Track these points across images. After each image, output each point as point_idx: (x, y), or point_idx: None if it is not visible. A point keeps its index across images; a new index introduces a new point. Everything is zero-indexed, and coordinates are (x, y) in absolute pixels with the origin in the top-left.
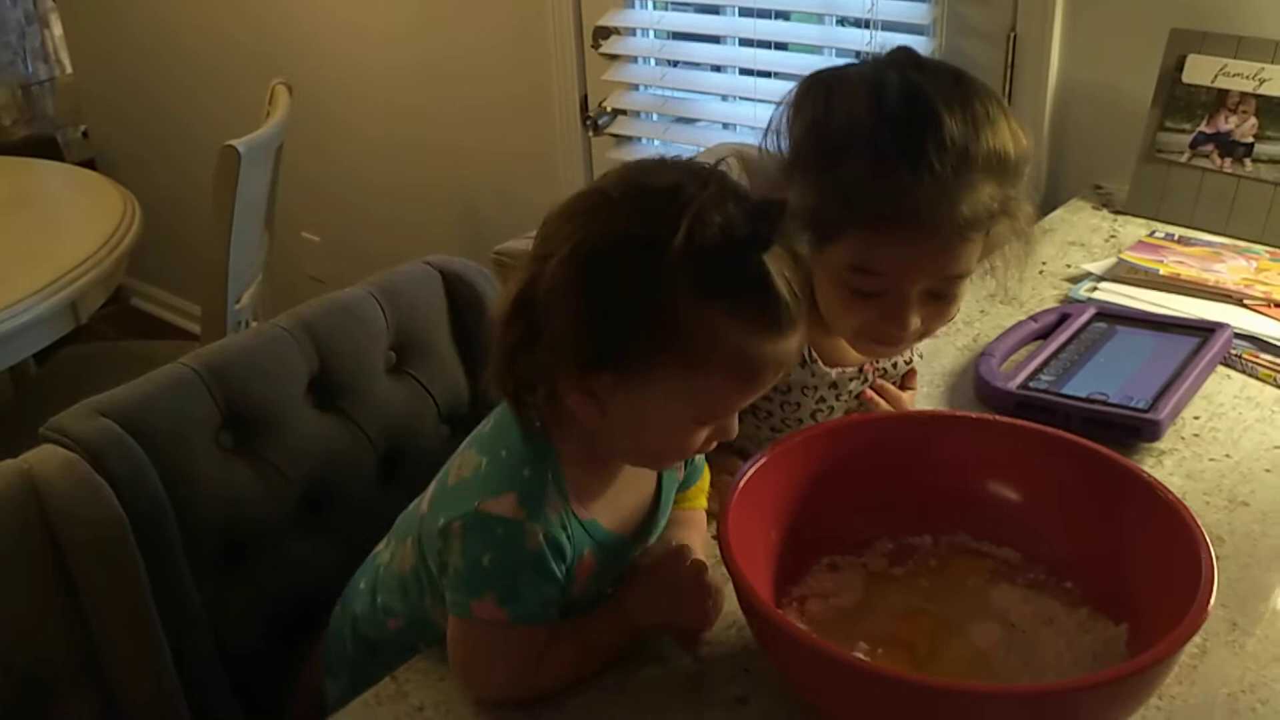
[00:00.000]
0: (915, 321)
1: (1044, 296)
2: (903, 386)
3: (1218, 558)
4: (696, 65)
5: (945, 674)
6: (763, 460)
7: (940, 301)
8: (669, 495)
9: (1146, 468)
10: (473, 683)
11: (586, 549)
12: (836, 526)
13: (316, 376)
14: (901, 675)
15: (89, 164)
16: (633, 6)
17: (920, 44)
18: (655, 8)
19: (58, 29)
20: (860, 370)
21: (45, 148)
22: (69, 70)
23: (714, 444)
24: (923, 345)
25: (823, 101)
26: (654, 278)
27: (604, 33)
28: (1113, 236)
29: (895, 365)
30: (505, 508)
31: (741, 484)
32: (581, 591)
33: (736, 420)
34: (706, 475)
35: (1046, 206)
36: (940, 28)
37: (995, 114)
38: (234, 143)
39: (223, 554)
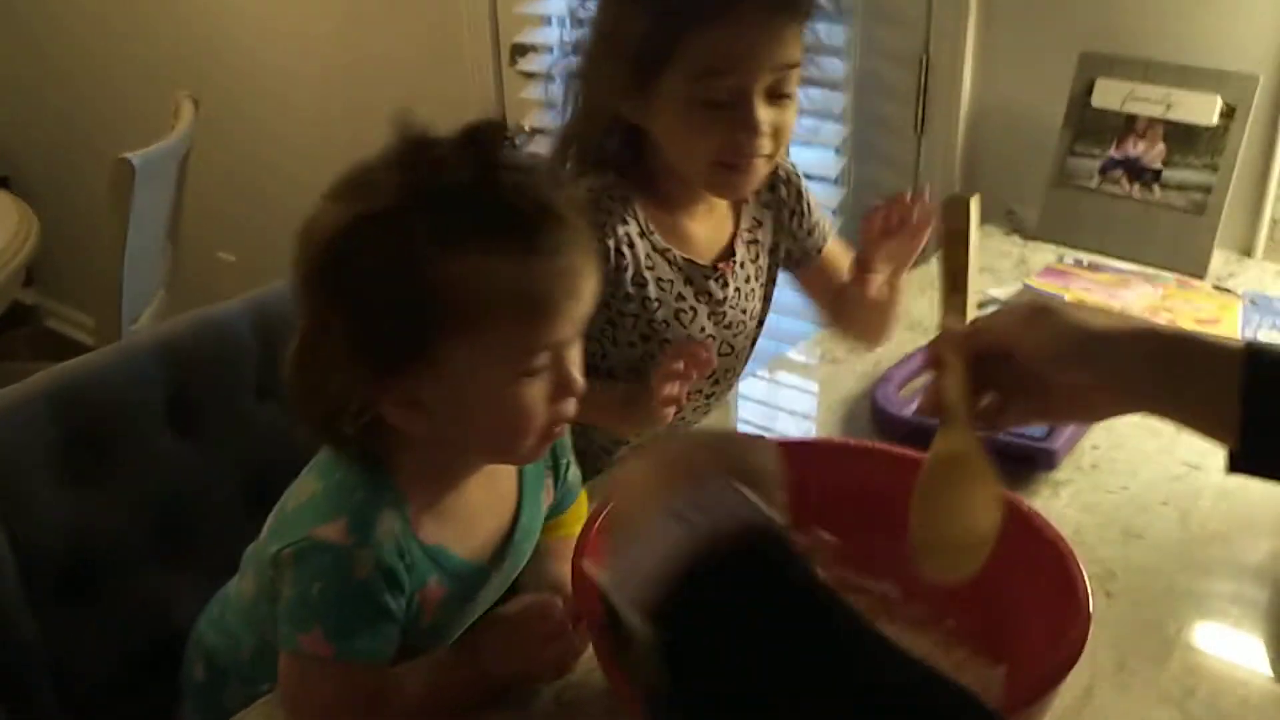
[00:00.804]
0: (765, 124)
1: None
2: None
3: (1109, 594)
4: None
5: None
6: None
7: (780, 103)
8: (531, 519)
9: (1042, 499)
10: None
11: (432, 578)
12: None
13: (176, 397)
14: None
15: (2, 181)
16: (550, 24)
17: (836, 67)
18: (572, 26)
19: None
20: (715, 269)
21: None
22: None
23: (567, 403)
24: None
25: None
26: (391, 252)
27: (521, 50)
28: (1022, 262)
29: (754, 263)
30: (335, 533)
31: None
32: (432, 622)
33: (574, 370)
34: (582, 501)
35: None
36: (854, 49)
37: None
38: (128, 155)
39: (67, 586)
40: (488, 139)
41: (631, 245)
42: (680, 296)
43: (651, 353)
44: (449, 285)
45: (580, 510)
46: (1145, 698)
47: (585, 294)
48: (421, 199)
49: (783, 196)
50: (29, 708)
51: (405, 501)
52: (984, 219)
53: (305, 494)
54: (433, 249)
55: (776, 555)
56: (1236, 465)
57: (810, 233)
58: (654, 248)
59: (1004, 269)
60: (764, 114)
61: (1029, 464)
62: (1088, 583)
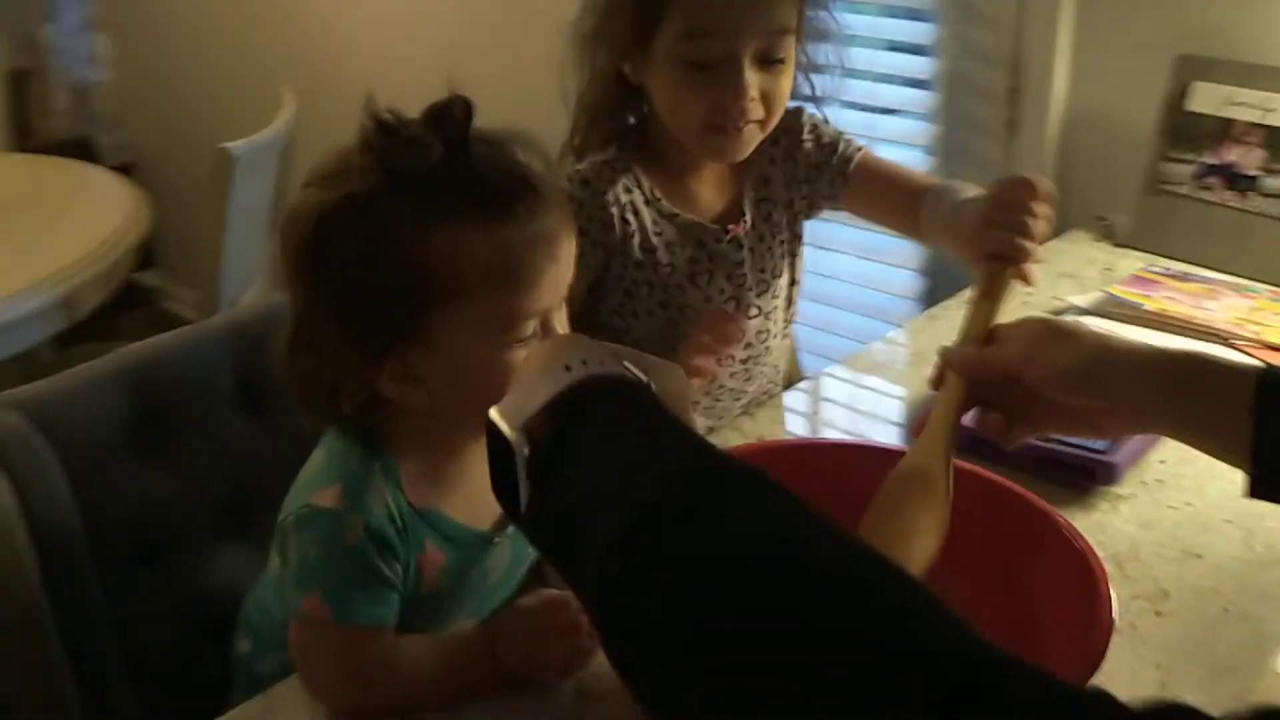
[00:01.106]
0: (753, 89)
1: None
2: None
3: (1159, 614)
4: None
5: None
6: None
7: (772, 69)
8: None
9: (1100, 513)
10: (313, 688)
11: (428, 541)
12: None
13: (245, 380)
14: None
15: (126, 167)
16: None
17: (923, 66)
18: None
19: None
20: (726, 230)
21: (83, 149)
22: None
23: None
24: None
25: None
26: (370, 234)
27: None
28: (1108, 270)
29: (766, 221)
30: (329, 499)
31: None
32: (435, 590)
33: (561, 327)
34: None
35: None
36: (944, 49)
37: None
38: (228, 145)
39: (135, 557)
40: (456, 116)
41: (636, 212)
42: (693, 260)
43: (673, 319)
44: (429, 263)
45: None
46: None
47: (563, 257)
48: (395, 180)
49: (785, 147)
50: (98, 672)
51: (396, 466)
52: (1073, 224)
53: (313, 463)
54: (410, 229)
55: (646, 399)
56: (1256, 490)
57: (830, 160)
58: (660, 214)
59: (1089, 276)
60: (752, 78)
61: (1088, 476)
62: (1114, 599)
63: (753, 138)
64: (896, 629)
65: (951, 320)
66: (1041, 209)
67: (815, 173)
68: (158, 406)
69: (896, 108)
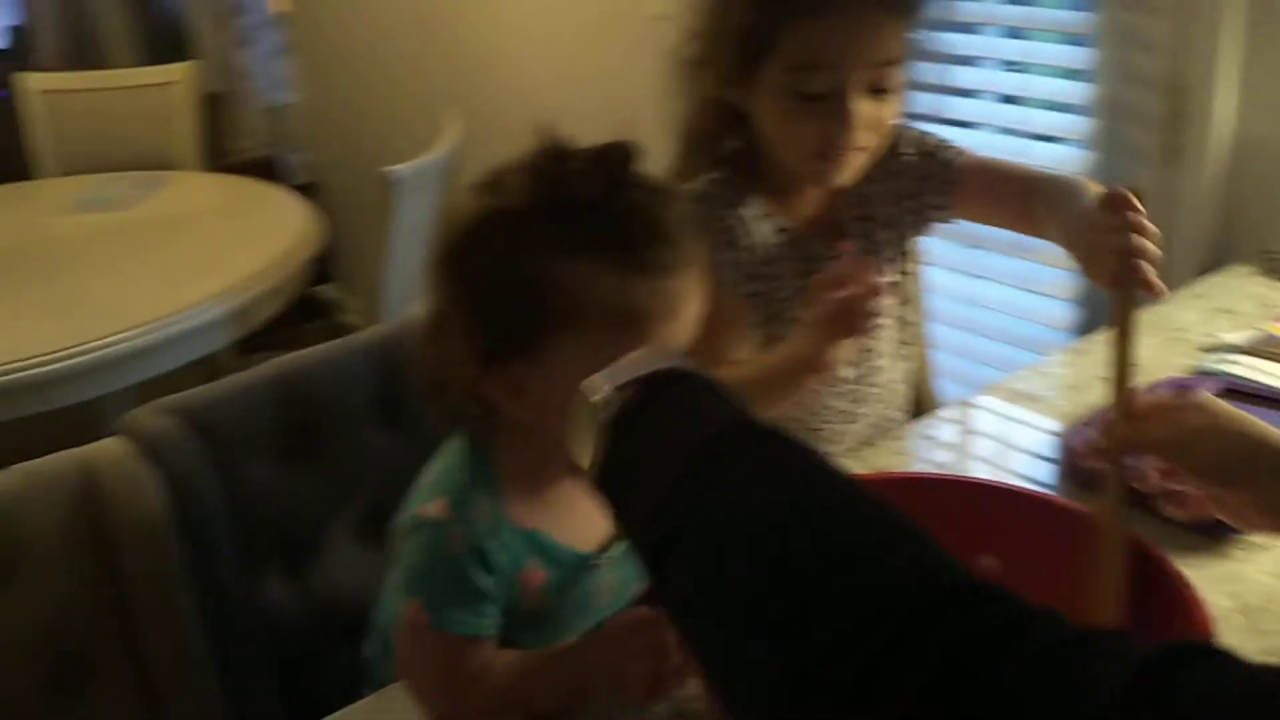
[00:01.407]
0: (859, 117)
1: (1172, 365)
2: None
3: None
4: None
5: None
6: None
7: (880, 98)
8: None
9: (1235, 561)
10: (413, 692)
11: (530, 560)
12: None
13: (385, 393)
14: None
15: (309, 186)
16: None
17: (1079, 90)
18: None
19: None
20: (830, 246)
21: (270, 169)
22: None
23: None
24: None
25: None
26: (511, 248)
27: None
28: (1268, 306)
29: (867, 239)
30: (436, 510)
31: None
32: (536, 606)
33: None
34: None
35: (1207, 269)
36: (1102, 74)
37: None
38: (390, 169)
39: (277, 556)
40: (619, 159)
41: (747, 226)
42: (802, 274)
43: (778, 336)
44: (556, 288)
45: None
46: None
47: (685, 316)
48: (547, 205)
49: (885, 164)
50: (240, 658)
51: (501, 485)
52: (1237, 257)
53: (427, 474)
54: (549, 252)
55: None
56: None
57: (935, 169)
58: (771, 229)
59: (1247, 312)
60: (860, 109)
61: (1223, 525)
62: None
63: (857, 162)
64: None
65: (1097, 354)
66: (1144, 222)
67: (921, 185)
68: (303, 415)
69: (1053, 134)
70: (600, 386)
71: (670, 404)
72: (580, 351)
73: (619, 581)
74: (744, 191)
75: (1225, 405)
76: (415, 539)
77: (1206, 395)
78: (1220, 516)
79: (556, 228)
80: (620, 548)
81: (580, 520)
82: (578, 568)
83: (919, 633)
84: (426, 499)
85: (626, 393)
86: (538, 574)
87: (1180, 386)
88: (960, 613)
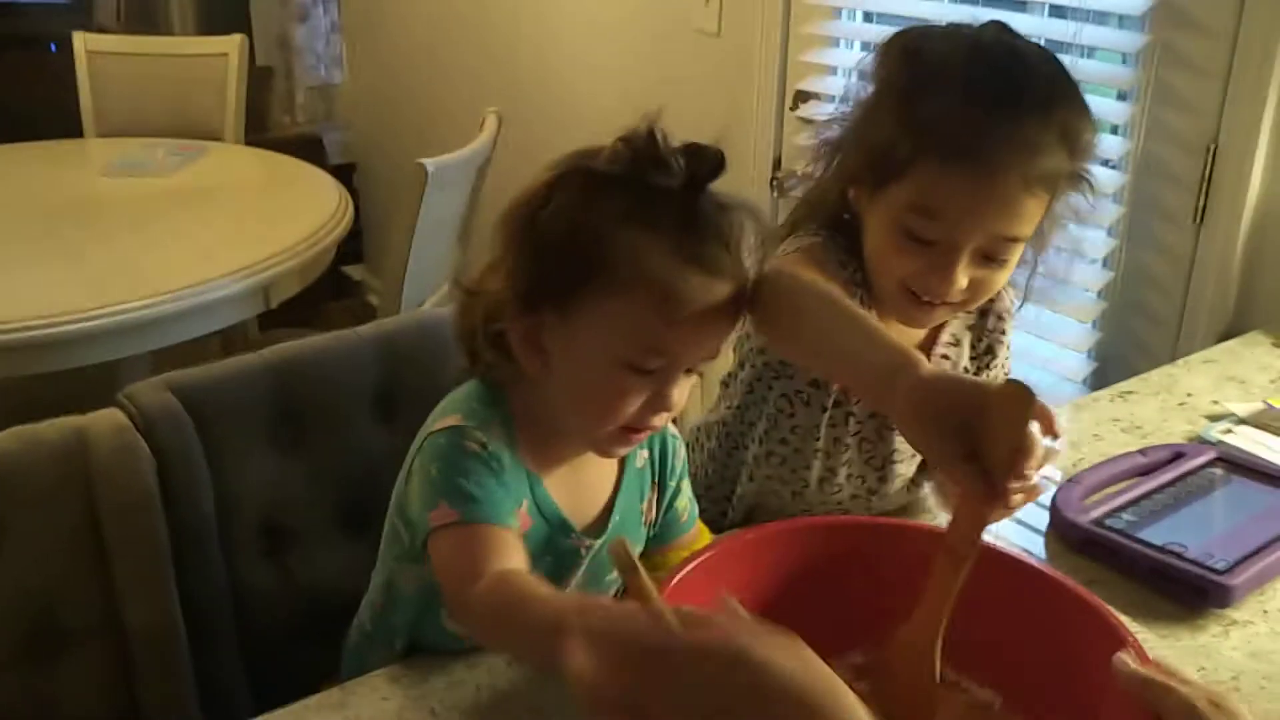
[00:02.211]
0: (962, 280)
1: (1173, 431)
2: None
3: None
4: None
5: None
6: (709, 554)
7: (989, 266)
8: (628, 511)
9: (1208, 635)
10: (455, 605)
11: (525, 501)
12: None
13: (384, 386)
14: None
15: (347, 167)
16: (834, 74)
17: (1114, 145)
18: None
19: None
20: None
21: (310, 147)
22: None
23: (657, 416)
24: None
25: (917, 39)
26: (581, 202)
27: (804, 96)
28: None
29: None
30: (451, 422)
31: (680, 576)
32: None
33: (678, 390)
34: (704, 536)
35: (1225, 336)
36: (1138, 130)
37: (1075, 93)
38: (424, 161)
39: (261, 543)
40: (706, 161)
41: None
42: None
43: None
44: (610, 249)
45: (694, 542)
46: None
47: (713, 333)
48: (629, 176)
49: (987, 326)
50: (213, 639)
51: (513, 425)
52: (1255, 325)
53: (438, 407)
54: (614, 217)
55: None
56: None
57: (980, 368)
58: (863, 302)
59: (1258, 383)
60: (964, 271)
61: (1200, 596)
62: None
63: (942, 316)
64: None
65: (1099, 411)
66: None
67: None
68: (299, 404)
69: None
70: None
71: None
72: (607, 316)
73: (590, 575)
74: (847, 252)
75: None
76: (429, 452)
77: None
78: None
79: (631, 198)
80: (602, 538)
81: (576, 493)
82: (561, 534)
83: None
84: (440, 418)
85: None
86: (527, 521)
87: (1176, 454)
88: None
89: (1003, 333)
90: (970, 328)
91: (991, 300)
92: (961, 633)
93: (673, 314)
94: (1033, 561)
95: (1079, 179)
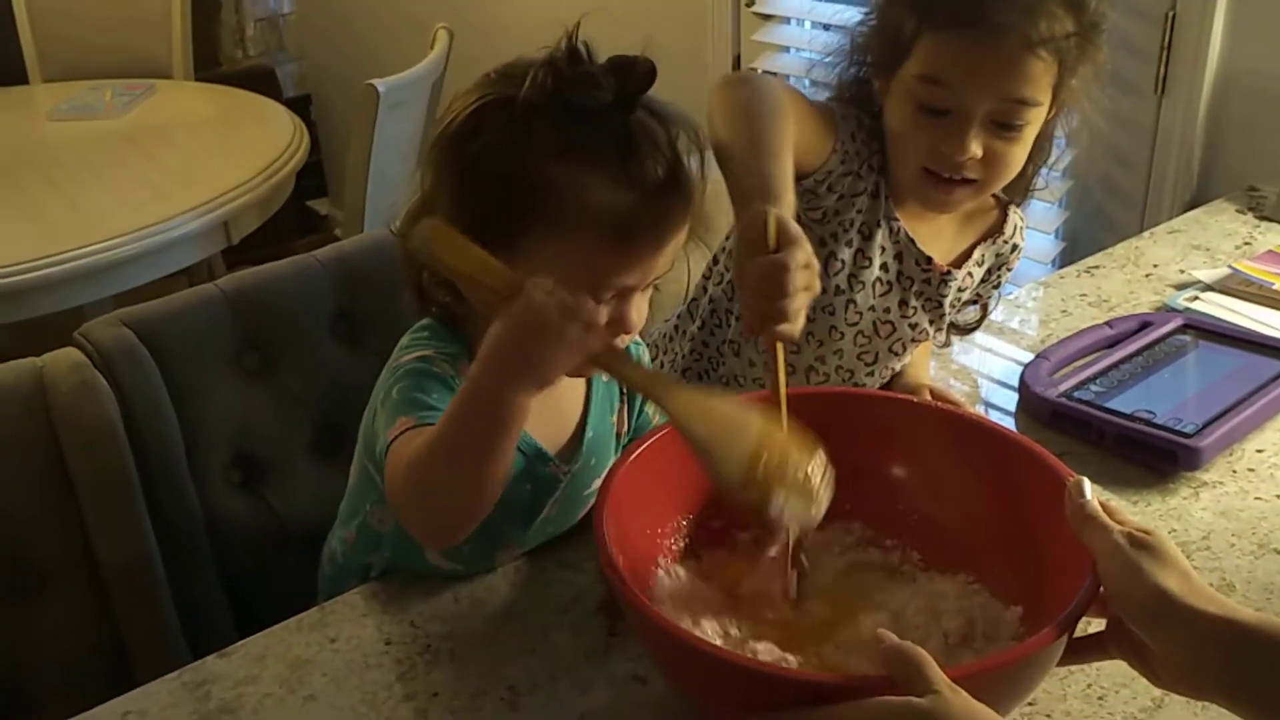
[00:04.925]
0: (976, 149)
1: (1141, 302)
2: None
3: None
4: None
5: (830, 661)
6: (661, 433)
7: (1003, 136)
8: (599, 430)
9: (1178, 498)
10: (413, 512)
11: None
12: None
13: (343, 310)
14: (749, 664)
15: (302, 99)
16: None
17: None
18: None
19: None
20: (949, 273)
21: (264, 81)
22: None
23: (617, 340)
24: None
25: None
26: (511, 137)
27: None
28: (1247, 244)
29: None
30: (411, 356)
31: (635, 455)
32: None
33: (637, 309)
34: None
35: (1192, 206)
36: None
37: None
38: (374, 82)
39: (233, 471)
40: (635, 75)
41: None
42: (884, 267)
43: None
44: (548, 187)
45: None
46: (1222, 715)
47: (667, 248)
48: (555, 103)
49: (1007, 258)
50: (190, 569)
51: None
52: (1219, 193)
53: (399, 345)
54: (548, 149)
55: None
56: None
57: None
58: (885, 213)
59: (1223, 250)
60: (977, 138)
61: (1169, 460)
62: None
63: (963, 198)
64: None
65: (1065, 288)
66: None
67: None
68: (260, 332)
69: None
70: None
71: None
72: (555, 254)
73: (568, 498)
74: (880, 170)
75: (1160, 547)
76: (391, 377)
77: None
78: (1140, 672)
79: (560, 128)
80: (578, 462)
81: (546, 418)
82: (540, 462)
83: None
84: (401, 354)
85: None
86: None
87: (1143, 323)
88: None
89: (1010, 267)
90: (996, 255)
91: (1014, 241)
92: (881, 487)
93: (625, 245)
94: (972, 414)
95: (1087, 44)
